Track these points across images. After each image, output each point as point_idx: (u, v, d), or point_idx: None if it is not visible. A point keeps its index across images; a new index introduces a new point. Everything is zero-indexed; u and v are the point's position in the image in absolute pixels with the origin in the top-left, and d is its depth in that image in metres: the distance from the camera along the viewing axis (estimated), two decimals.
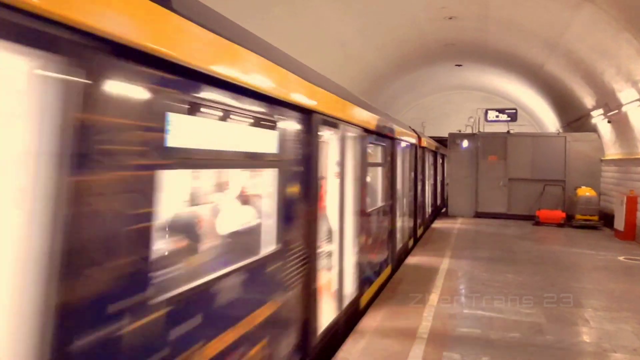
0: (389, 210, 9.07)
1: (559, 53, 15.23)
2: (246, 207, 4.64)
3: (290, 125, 4.19)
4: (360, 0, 12.58)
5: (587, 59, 14.27)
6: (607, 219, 16.13)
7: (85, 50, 1.89)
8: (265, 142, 3.78)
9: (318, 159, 4.87)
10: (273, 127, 3.87)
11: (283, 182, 4.00)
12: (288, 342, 4.16)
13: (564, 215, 17.04)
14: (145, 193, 2.30)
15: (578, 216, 16.59)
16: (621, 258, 11.44)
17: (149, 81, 2.31)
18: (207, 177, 5.01)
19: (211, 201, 4.92)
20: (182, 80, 2.58)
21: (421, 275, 9.23)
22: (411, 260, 10.62)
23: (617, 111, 14.34)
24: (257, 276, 3.60)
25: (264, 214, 4.01)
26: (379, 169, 8.61)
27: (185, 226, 4.10)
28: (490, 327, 6.35)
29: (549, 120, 24.10)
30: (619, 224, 14.27)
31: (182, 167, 3.08)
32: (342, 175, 6.12)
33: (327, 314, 5.37)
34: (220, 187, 5.04)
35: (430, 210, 17.09)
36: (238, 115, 3.39)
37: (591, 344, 5.98)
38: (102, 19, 1.93)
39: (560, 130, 21.33)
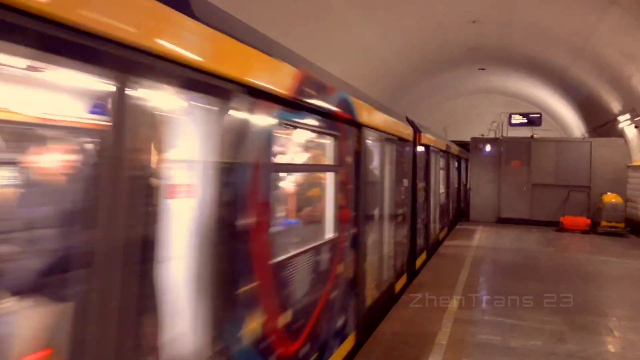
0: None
1: (585, 57, 15.00)
2: None
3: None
4: (383, 5, 12.58)
5: (614, 63, 14.03)
6: (633, 226, 15.81)
7: None
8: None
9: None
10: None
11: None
12: None
13: (588, 221, 16.74)
14: None
15: (603, 223, 16.29)
16: None
17: None
18: None
19: None
20: None
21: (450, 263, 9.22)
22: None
23: None
24: None
25: None
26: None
27: None
28: (511, 335, 6.30)
29: (574, 125, 23.71)
30: None
31: None
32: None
33: None
34: None
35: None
36: None
37: (615, 354, 5.89)
38: None
39: (586, 135, 20.96)
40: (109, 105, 2.04)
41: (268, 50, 3.37)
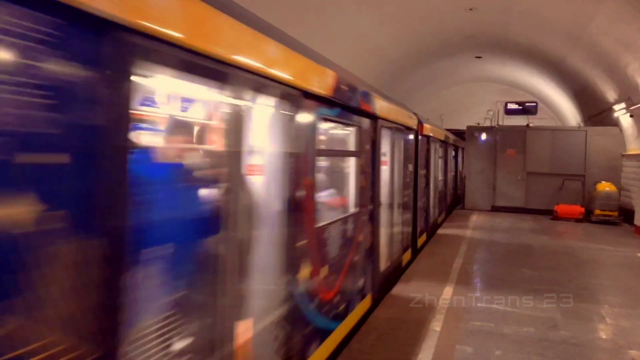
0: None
1: (582, 46, 14.98)
2: None
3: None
4: None
5: (611, 52, 14.02)
6: (627, 215, 15.91)
7: None
8: None
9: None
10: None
11: None
12: None
13: (582, 210, 16.84)
14: None
15: (597, 211, 16.39)
16: None
17: None
18: None
19: None
20: None
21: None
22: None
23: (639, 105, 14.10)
24: None
25: None
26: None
27: None
28: (504, 322, 6.35)
29: (570, 114, 23.75)
30: None
31: None
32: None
33: None
34: None
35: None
36: None
37: (607, 341, 5.96)
38: None
39: (581, 124, 21.02)
40: None
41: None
